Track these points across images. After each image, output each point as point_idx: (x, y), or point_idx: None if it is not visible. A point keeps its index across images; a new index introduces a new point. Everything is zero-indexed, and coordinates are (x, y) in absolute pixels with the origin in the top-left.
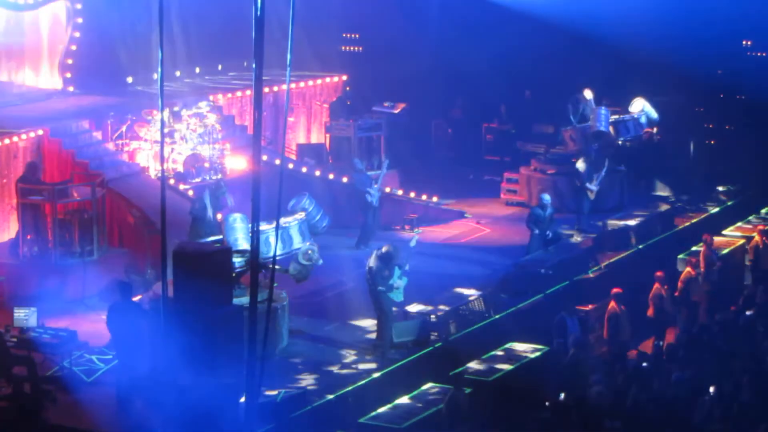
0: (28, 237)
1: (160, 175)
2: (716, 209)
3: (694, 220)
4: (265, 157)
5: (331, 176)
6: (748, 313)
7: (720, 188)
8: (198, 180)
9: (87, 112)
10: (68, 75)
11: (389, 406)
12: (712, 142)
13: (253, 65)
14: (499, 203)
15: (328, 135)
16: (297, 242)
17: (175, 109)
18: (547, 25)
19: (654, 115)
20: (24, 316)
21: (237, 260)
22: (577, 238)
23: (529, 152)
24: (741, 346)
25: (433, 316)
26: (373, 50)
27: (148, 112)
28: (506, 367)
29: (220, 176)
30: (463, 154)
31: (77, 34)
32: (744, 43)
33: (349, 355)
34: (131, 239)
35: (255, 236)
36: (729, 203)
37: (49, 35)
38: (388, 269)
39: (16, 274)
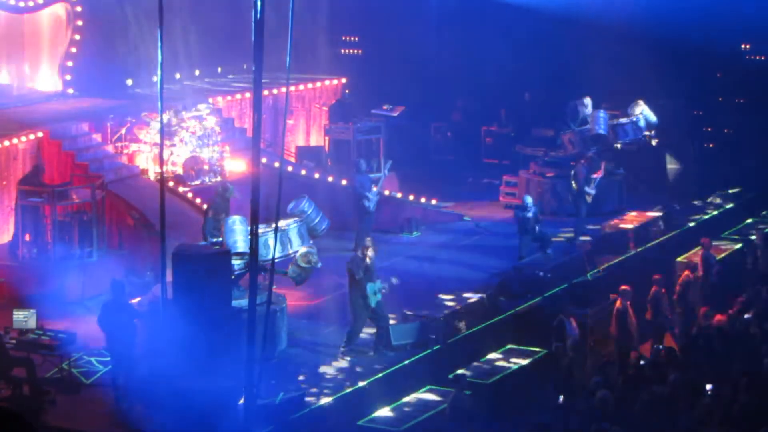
0: (28, 238)
1: (159, 177)
2: (715, 212)
3: (693, 223)
4: (264, 160)
5: (330, 179)
6: (746, 316)
7: (719, 192)
8: (197, 182)
9: (87, 115)
10: (68, 77)
11: (388, 408)
12: (711, 146)
13: (253, 68)
14: (498, 206)
15: (327, 138)
16: (296, 245)
17: (185, 114)
18: (548, 27)
19: (653, 118)
20: (23, 317)
21: (236, 262)
22: (577, 242)
23: (528, 155)
24: (738, 348)
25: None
26: (372, 53)
27: (149, 115)
28: (505, 370)
29: (219, 178)
30: (462, 157)
31: (77, 37)
32: (743, 46)
33: (348, 358)
34: (130, 241)
35: (254, 239)
36: (728, 206)
37: (49, 37)
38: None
39: (16, 275)
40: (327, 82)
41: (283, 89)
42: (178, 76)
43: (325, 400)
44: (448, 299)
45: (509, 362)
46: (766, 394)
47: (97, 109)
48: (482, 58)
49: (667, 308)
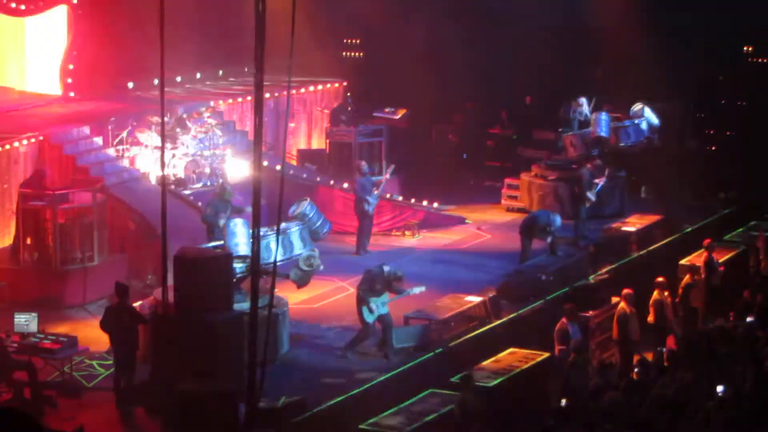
0: (29, 242)
1: (160, 180)
2: (717, 215)
3: (696, 226)
4: (265, 163)
5: (331, 182)
6: (749, 319)
7: (721, 194)
8: (199, 185)
9: (88, 118)
10: (69, 80)
11: (390, 411)
12: (713, 148)
13: (254, 71)
14: (499, 209)
15: (328, 141)
16: (298, 248)
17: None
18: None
19: (655, 120)
20: (24, 321)
21: (238, 266)
22: (579, 245)
23: (530, 158)
24: (741, 351)
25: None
26: (374, 56)
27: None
28: (507, 373)
29: (221, 180)
30: (464, 160)
31: (78, 40)
32: (745, 49)
33: (350, 361)
34: (132, 245)
35: (256, 242)
36: (731, 209)
37: (50, 40)
38: (383, 287)
39: (17, 279)
40: (328, 85)
41: (285, 92)
42: (179, 79)
43: (327, 404)
44: (449, 302)
45: (511, 365)
46: None
47: (98, 113)
48: (484, 59)
49: (669, 311)
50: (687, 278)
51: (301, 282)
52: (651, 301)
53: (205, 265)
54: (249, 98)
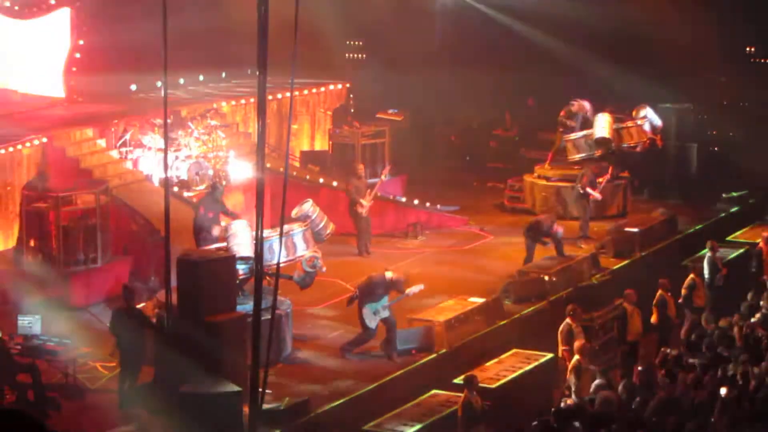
0: (33, 244)
1: (163, 182)
2: (721, 216)
3: (698, 226)
4: (269, 165)
5: (335, 183)
6: (751, 320)
7: (724, 195)
8: (202, 187)
9: (91, 120)
10: (72, 82)
11: (393, 413)
12: (716, 149)
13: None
14: (502, 210)
15: (331, 142)
16: (301, 249)
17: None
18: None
19: (657, 121)
20: (28, 323)
21: (241, 267)
22: (581, 245)
23: (532, 159)
24: (744, 352)
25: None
26: (376, 57)
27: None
28: (510, 374)
29: (215, 180)
30: (466, 161)
31: (81, 42)
32: (748, 49)
33: (353, 363)
34: (135, 247)
35: (259, 243)
36: (734, 209)
37: (54, 43)
38: (384, 292)
39: (21, 281)
40: (331, 87)
41: (288, 94)
42: (182, 81)
43: (330, 405)
44: (453, 303)
45: (514, 366)
46: None
47: (101, 115)
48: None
49: (672, 311)
50: (690, 279)
51: (304, 283)
52: (654, 302)
53: (208, 266)
54: (252, 100)
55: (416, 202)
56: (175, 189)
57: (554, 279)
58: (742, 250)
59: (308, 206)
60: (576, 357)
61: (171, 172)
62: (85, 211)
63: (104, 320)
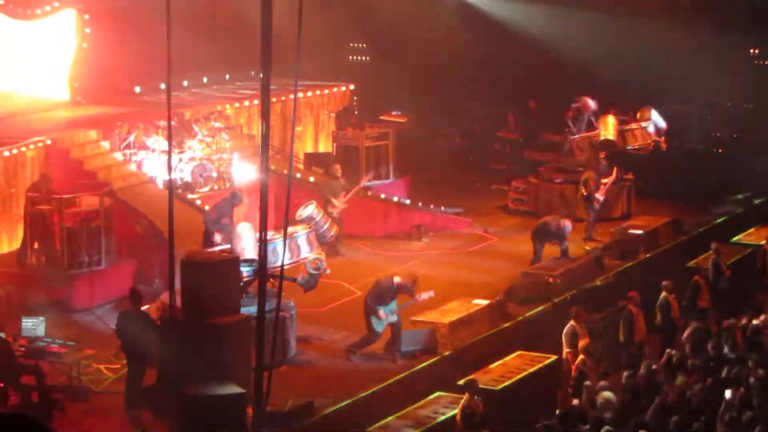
0: (37, 246)
1: (167, 184)
2: (725, 217)
3: (703, 228)
4: (272, 167)
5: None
6: (755, 322)
7: (729, 196)
8: (206, 190)
9: (94, 122)
10: (76, 84)
11: (397, 415)
12: (720, 150)
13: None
14: (506, 212)
15: (335, 144)
16: (305, 251)
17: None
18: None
19: (662, 123)
20: (32, 325)
21: (245, 269)
22: (585, 247)
23: (536, 161)
24: (749, 354)
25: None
26: (380, 59)
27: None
28: (514, 376)
29: (227, 185)
30: (470, 163)
31: (85, 44)
32: (752, 51)
33: (357, 364)
34: (139, 249)
35: (263, 245)
36: (738, 211)
37: (58, 45)
38: (393, 296)
39: (25, 283)
40: (335, 89)
41: (291, 96)
42: (186, 83)
43: (334, 407)
44: (457, 305)
45: (519, 368)
46: None
47: (105, 117)
48: (490, 64)
49: (676, 313)
50: (694, 281)
51: (308, 285)
52: (658, 304)
53: (212, 268)
54: (256, 102)
55: (420, 204)
56: (179, 191)
57: (558, 281)
58: (746, 252)
59: (312, 208)
60: (580, 356)
61: (175, 174)
62: (89, 213)
63: (108, 322)
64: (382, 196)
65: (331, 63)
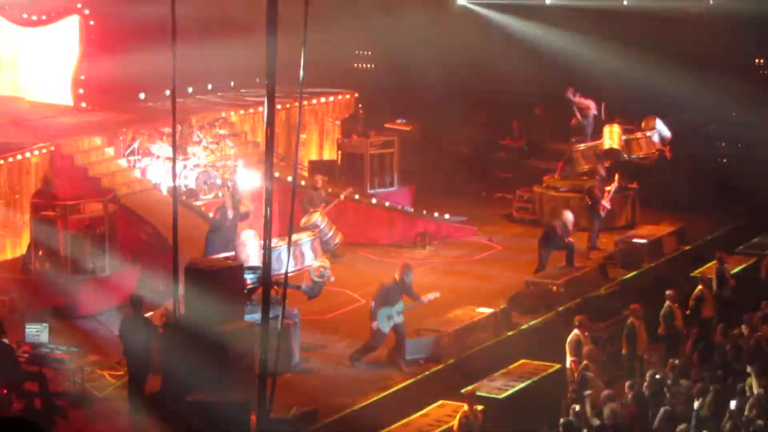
0: (41, 252)
1: (172, 191)
2: (729, 227)
3: (707, 237)
4: (277, 174)
5: (342, 195)
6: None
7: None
8: (210, 196)
9: (99, 128)
10: (80, 91)
11: (400, 423)
12: (724, 160)
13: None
14: (510, 220)
15: (340, 152)
16: (309, 259)
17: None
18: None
19: (667, 133)
20: (36, 331)
21: (249, 276)
22: (590, 256)
23: (541, 169)
24: (753, 363)
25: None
26: (385, 67)
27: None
28: (518, 384)
29: (230, 185)
30: (475, 171)
31: (90, 50)
32: (756, 61)
33: (361, 372)
34: (143, 255)
35: (267, 253)
36: (742, 221)
37: (62, 51)
38: (398, 295)
39: (28, 289)
40: (340, 97)
41: (296, 103)
42: (190, 89)
43: (337, 415)
44: (461, 313)
45: (522, 377)
46: None
47: (109, 123)
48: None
49: (680, 323)
50: (698, 290)
51: (312, 293)
52: (662, 313)
53: (216, 275)
54: (261, 109)
55: (424, 212)
56: (184, 198)
57: (562, 290)
58: (751, 261)
59: (317, 216)
60: (584, 362)
61: (179, 181)
62: (93, 220)
63: (112, 328)
64: (387, 204)
65: (336, 71)
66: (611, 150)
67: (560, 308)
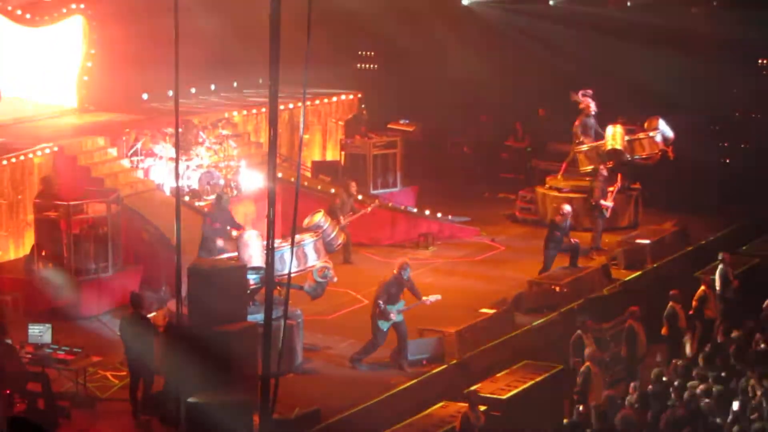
0: (44, 253)
1: (175, 192)
2: (732, 227)
3: (710, 238)
4: (280, 175)
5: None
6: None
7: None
8: (213, 197)
9: (102, 129)
10: (84, 91)
11: (403, 423)
12: (728, 161)
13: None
14: (513, 221)
15: (343, 152)
16: (312, 260)
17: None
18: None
19: (669, 133)
20: (38, 332)
21: (252, 277)
22: (593, 257)
23: (544, 170)
24: (756, 365)
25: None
26: (388, 68)
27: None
28: (521, 385)
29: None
30: (478, 172)
31: (93, 51)
32: (760, 62)
33: (364, 373)
34: (146, 256)
35: (270, 253)
36: (746, 221)
37: (65, 51)
38: (398, 291)
39: (31, 289)
40: (343, 97)
41: (299, 104)
42: (193, 90)
43: (340, 416)
44: (464, 314)
45: (525, 377)
46: None
47: (112, 124)
48: (498, 72)
49: (683, 324)
50: (701, 291)
51: (315, 293)
52: (665, 313)
53: (219, 276)
54: (264, 110)
55: (427, 212)
56: (186, 198)
57: (565, 290)
58: (754, 262)
59: (320, 216)
60: (586, 364)
61: (182, 182)
62: (96, 220)
63: (115, 329)
64: (390, 204)
65: (340, 71)
66: (614, 150)
67: (563, 309)
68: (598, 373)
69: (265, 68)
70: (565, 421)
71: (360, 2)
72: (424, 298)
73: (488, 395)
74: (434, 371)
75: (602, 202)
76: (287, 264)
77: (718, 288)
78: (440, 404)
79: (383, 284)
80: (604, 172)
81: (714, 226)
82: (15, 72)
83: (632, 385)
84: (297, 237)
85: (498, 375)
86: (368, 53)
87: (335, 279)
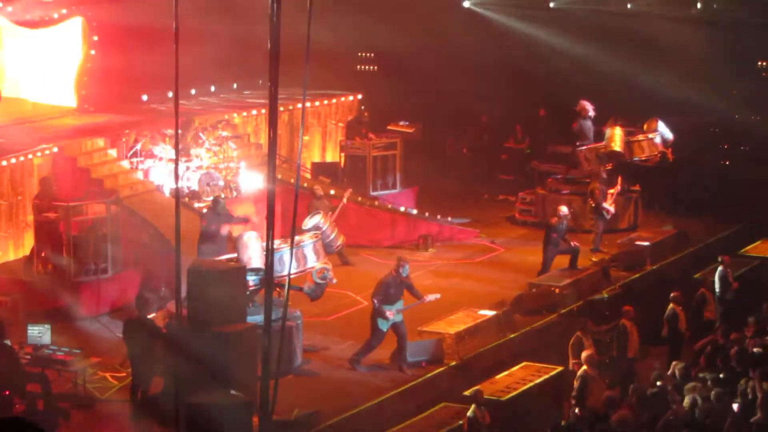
0: (43, 254)
1: (174, 193)
2: (732, 229)
3: (710, 240)
4: (280, 176)
5: (345, 198)
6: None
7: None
8: (212, 198)
9: (102, 130)
10: (83, 92)
11: (403, 425)
12: (727, 163)
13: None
14: (513, 223)
15: (343, 154)
16: (311, 261)
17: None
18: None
19: (669, 135)
20: (38, 333)
21: (251, 278)
22: (592, 258)
23: (543, 172)
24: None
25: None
26: (388, 69)
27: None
28: (520, 387)
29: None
30: (477, 174)
31: (93, 52)
32: (759, 63)
33: (363, 374)
34: (146, 257)
35: (269, 255)
36: (745, 223)
37: (65, 52)
38: (397, 291)
39: (31, 291)
40: (343, 99)
41: (299, 105)
42: (193, 91)
43: (339, 417)
44: (463, 315)
45: (525, 379)
46: None
47: (112, 125)
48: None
49: (683, 325)
50: (701, 293)
51: (315, 295)
52: (666, 315)
53: (218, 277)
54: (263, 111)
55: (427, 214)
56: (186, 200)
57: (565, 292)
58: (754, 264)
59: (319, 218)
60: (584, 367)
61: (182, 183)
62: (96, 221)
63: (114, 330)
64: (390, 206)
65: (339, 72)
66: (613, 152)
67: (563, 311)
68: (596, 375)
69: (265, 69)
70: (562, 423)
71: (360, 4)
72: (423, 297)
73: (488, 397)
74: (433, 373)
75: (604, 205)
76: (287, 265)
77: (717, 290)
78: (440, 405)
79: (381, 283)
80: (604, 174)
81: (713, 228)
82: (15, 73)
83: (632, 387)
84: (296, 238)
85: (497, 377)
86: (368, 54)
87: (334, 280)
